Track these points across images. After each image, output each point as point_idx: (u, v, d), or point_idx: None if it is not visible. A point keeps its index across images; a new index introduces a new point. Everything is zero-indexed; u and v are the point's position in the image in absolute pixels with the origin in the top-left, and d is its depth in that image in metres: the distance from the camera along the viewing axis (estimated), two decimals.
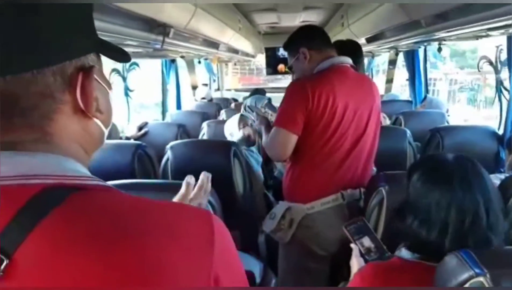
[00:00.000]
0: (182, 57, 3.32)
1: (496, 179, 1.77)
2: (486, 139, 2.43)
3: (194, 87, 5.17)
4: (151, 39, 1.76)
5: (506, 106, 2.57)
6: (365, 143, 1.75)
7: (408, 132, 2.47)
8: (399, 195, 1.14)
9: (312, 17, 4.62)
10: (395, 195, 1.48)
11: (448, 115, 3.38)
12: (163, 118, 3.91)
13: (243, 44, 3.78)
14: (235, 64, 8.53)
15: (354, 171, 1.75)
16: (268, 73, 7.08)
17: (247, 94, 4.35)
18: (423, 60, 3.97)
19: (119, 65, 3.09)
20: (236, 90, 7.91)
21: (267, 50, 6.53)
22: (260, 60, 8.09)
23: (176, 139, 2.78)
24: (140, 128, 2.91)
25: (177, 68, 4.06)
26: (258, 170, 2.42)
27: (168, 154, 2.14)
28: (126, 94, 3.25)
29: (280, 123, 1.68)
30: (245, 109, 3.02)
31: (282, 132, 1.67)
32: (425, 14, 1.57)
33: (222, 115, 3.70)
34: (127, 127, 3.13)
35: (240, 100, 4.84)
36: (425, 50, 3.95)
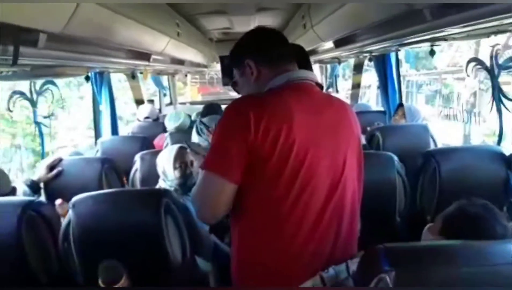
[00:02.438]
0: (101, 72, 2.67)
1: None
2: (491, 162, 1.93)
3: (139, 102, 4.47)
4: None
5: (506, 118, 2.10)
6: (344, 192, 1.19)
7: (395, 158, 1.94)
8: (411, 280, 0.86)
9: (269, 20, 4.10)
10: (405, 279, 0.93)
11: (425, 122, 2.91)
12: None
13: (190, 53, 3.18)
14: (193, 74, 8.02)
15: (335, 236, 1.18)
16: (224, 84, 6.50)
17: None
18: (395, 65, 3.51)
19: (24, 87, 2.41)
20: (193, 103, 7.31)
21: (222, 59, 5.96)
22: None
23: (100, 180, 2.13)
24: (51, 168, 2.21)
25: (110, 83, 3.39)
26: (204, 227, 1.77)
27: (70, 215, 1.50)
28: (38, 123, 2.55)
29: (209, 165, 1.13)
30: (197, 132, 2.40)
31: (212, 179, 1.12)
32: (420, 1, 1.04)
33: (167, 139, 3.05)
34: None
35: (194, 116, 4.12)
36: (396, 54, 3.50)
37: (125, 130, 4.21)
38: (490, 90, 2.24)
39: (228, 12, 3.28)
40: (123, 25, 1.53)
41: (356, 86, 4.86)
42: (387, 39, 1.72)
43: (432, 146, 2.66)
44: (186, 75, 7.21)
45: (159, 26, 2.01)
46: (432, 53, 2.18)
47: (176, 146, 1.98)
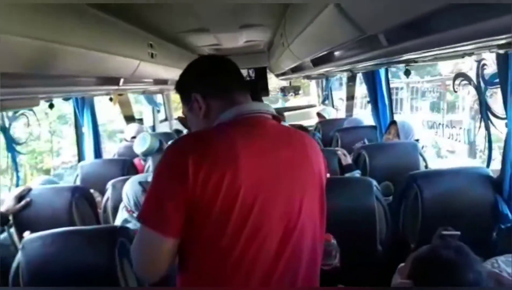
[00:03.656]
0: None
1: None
2: (478, 185, 1.80)
3: (129, 119, 4.35)
4: None
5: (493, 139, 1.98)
6: (301, 239, 1.07)
7: (374, 183, 1.82)
8: None
9: (256, 36, 4.01)
10: None
11: (417, 140, 2.76)
12: None
13: (172, 72, 3.09)
14: None
15: (292, 285, 1.07)
16: None
17: None
18: (385, 80, 3.39)
19: None
20: None
21: None
22: None
23: (70, 210, 2.04)
24: (19, 198, 2.12)
25: (92, 105, 3.31)
26: None
27: (19, 257, 1.40)
28: (11, 150, 2.48)
29: (145, 218, 1.02)
30: None
31: (148, 234, 1.01)
32: (385, 27, 0.94)
33: (148, 162, 2.95)
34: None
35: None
36: (386, 69, 3.38)
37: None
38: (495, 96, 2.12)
39: (211, 29, 3.20)
40: (70, 54, 1.43)
41: (350, 98, 4.76)
42: (354, 62, 1.62)
43: (421, 166, 2.55)
44: None
45: (125, 51, 1.93)
46: (407, 73, 2.07)
47: (141, 175, 1.89)
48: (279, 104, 8.20)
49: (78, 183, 2.94)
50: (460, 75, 2.19)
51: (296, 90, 6.14)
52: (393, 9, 0.87)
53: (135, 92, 3.61)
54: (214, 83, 1.13)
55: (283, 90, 6.13)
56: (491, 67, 1.99)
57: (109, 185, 2.25)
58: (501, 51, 0.99)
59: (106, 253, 1.37)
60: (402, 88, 11.37)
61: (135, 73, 2.17)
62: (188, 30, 3.09)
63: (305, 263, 1.09)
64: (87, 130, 3.27)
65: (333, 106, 5.63)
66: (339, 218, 1.74)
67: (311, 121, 5.74)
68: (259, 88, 5.35)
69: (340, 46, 1.39)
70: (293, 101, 7.89)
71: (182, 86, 1.18)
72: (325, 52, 1.81)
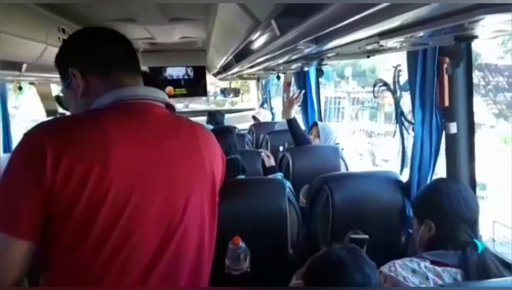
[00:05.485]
0: None
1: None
2: (388, 189, 1.81)
3: (51, 113, 4.03)
4: None
5: (408, 144, 2.01)
6: (184, 242, 0.97)
7: (288, 184, 1.77)
8: None
9: (190, 32, 3.86)
10: None
11: (337, 143, 2.79)
12: None
13: None
14: None
15: None
16: None
17: None
18: (315, 83, 3.41)
19: None
20: None
21: (151, 70, 5.68)
22: None
23: None
24: None
25: (3, 95, 3.02)
26: None
27: None
28: None
29: None
30: None
31: None
32: (274, 11, 0.86)
33: None
34: None
35: None
36: (317, 72, 3.39)
37: None
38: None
39: (138, 20, 3.03)
40: None
41: None
42: (263, 56, 1.57)
43: (343, 169, 2.56)
44: None
45: (26, 32, 1.74)
46: (320, 73, 2.07)
47: None
48: (226, 107, 8.12)
49: None
50: (379, 81, 2.22)
51: (236, 92, 6.08)
52: None
53: (54, 82, 3.35)
54: (94, 58, 0.99)
55: (223, 91, 6.04)
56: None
57: None
58: (386, 43, 0.97)
59: None
60: (344, 98, 11.76)
61: (41, 59, 1.97)
62: (111, 19, 2.90)
63: (188, 270, 0.98)
64: None
65: (271, 110, 5.63)
66: (250, 220, 1.68)
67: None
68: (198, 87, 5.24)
69: (246, 39, 1.32)
70: (240, 104, 7.87)
71: (59, 60, 1.03)
72: (241, 48, 1.74)
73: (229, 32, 1.48)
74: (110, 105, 0.96)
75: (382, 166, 8.27)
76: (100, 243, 0.87)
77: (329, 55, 1.51)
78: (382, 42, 0.95)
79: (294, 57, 1.53)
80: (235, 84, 6.19)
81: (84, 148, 0.86)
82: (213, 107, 7.99)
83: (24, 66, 1.97)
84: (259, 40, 1.31)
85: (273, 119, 5.19)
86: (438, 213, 1.30)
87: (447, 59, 1.53)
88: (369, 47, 1.25)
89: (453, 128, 1.56)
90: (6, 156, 2.90)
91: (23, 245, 0.85)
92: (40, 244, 0.88)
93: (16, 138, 3.20)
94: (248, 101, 8.06)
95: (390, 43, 0.97)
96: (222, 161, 1.13)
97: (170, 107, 1.06)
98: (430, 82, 1.55)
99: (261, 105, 5.84)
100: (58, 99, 1.09)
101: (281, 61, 1.84)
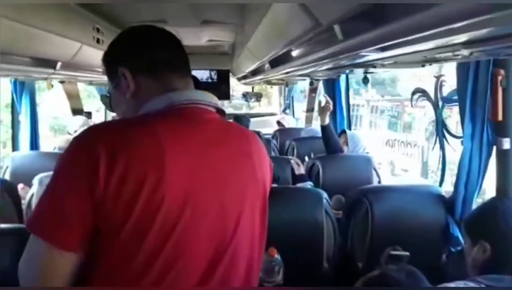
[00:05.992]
0: None
1: None
2: (430, 204, 1.73)
3: (77, 112, 4.02)
4: None
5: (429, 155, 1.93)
6: (235, 261, 0.89)
7: (325, 195, 1.71)
8: None
9: (219, 35, 3.84)
10: None
11: (367, 153, 2.73)
12: None
13: None
14: None
15: None
16: None
17: None
18: (345, 90, 3.34)
19: None
20: None
21: None
22: None
23: None
24: None
25: (32, 91, 3.03)
26: None
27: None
28: None
29: (34, 224, 0.80)
30: None
31: (37, 244, 0.79)
32: (340, 16, 0.81)
33: None
34: None
35: None
36: (347, 79, 3.34)
37: None
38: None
39: (169, 22, 3.02)
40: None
41: (310, 109, 4.70)
42: (311, 62, 1.51)
43: (375, 181, 2.48)
44: None
45: (64, 31, 1.72)
46: (365, 80, 2.00)
47: None
48: (243, 111, 8.08)
49: (7, 176, 2.67)
50: (418, 91, 2.15)
51: (258, 96, 6.03)
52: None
53: (82, 81, 3.35)
54: (146, 59, 0.93)
55: (245, 95, 6.00)
56: (450, 87, 1.95)
57: (35, 180, 2.01)
58: (465, 52, 0.90)
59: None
60: (363, 105, 11.64)
61: (75, 57, 1.96)
62: (144, 20, 2.90)
63: (238, 284, 0.93)
64: (24, 118, 2.98)
65: (293, 116, 5.57)
66: (285, 231, 1.62)
67: (271, 129, 5.67)
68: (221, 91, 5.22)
69: (296, 42, 1.27)
70: (258, 109, 7.81)
71: (108, 58, 0.98)
72: (283, 52, 1.69)
73: (276, 34, 1.43)
74: (160, 110, 0.91)
75: (401, 176, 8.13)
76: (150, 259, 0.80)
77: (386, 63, 1.45)
78: (464, 52, 0.89)
79: (348, 63, 1.48)
80: (257, 88, 6.15)
81: (138, 155, 0.80)
82: (230, 110, 7.97)
83: (59, 64, 1.95)
84: (310, 44, 1.25)
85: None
86: (494, 234, 1.22)
87: (502, 71, 1.45)
88: (429, 56, 1.19)
89: (506, 143, 1.47)
90: (34, 153, 2.92)
91: (68, 258, 0.78)
92: (85, 259, 0.83)
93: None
94: (267, 106, 8.01)
95: (467, 52, 0.90)
96: (271, 170, 1.07)
97: (221, 112, 1.01)
98: (482, 95, 1.48)
99: (284, 111, 5.79)
100: (104, 99, 1.04)
101: (325, 67, 1.78)
